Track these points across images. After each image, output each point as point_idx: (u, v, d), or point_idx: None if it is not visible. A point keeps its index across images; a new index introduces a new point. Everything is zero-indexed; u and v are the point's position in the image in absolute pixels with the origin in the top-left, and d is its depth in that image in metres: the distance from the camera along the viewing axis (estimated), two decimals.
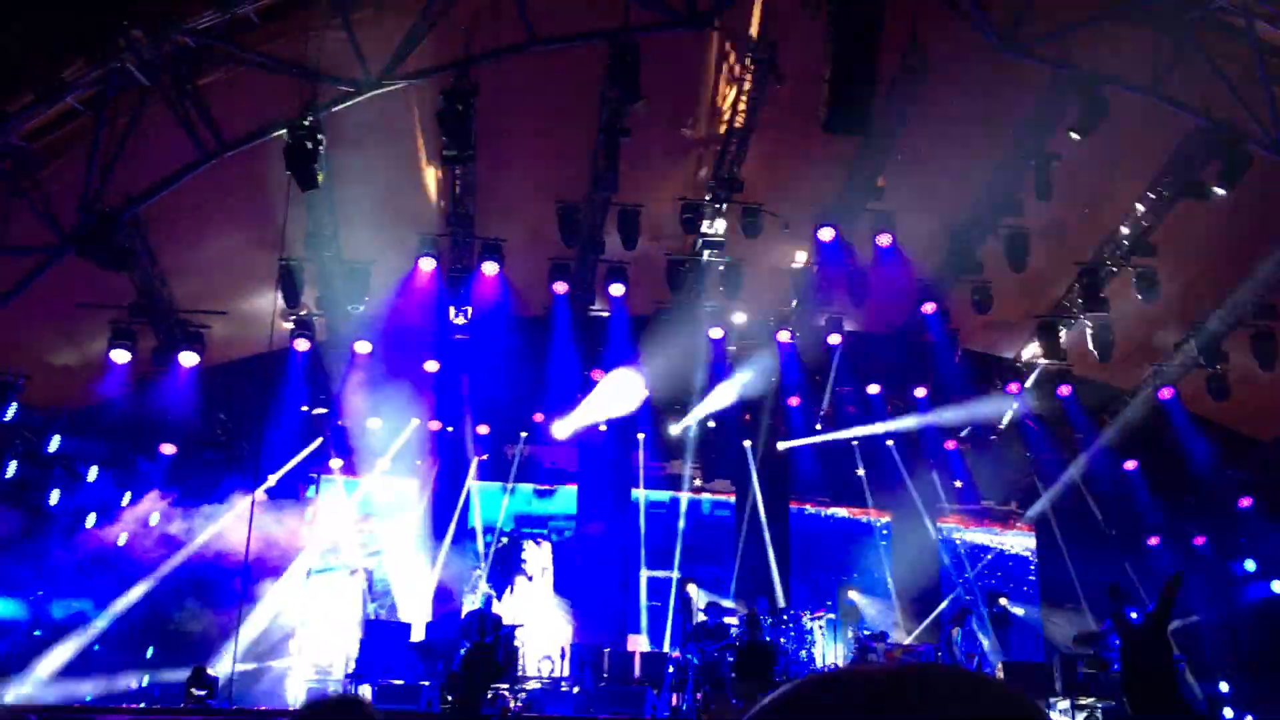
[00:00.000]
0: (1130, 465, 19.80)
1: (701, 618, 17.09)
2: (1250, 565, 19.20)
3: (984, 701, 1.02)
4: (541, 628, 18.21)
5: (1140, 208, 16.10)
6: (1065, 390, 19.10)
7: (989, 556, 20.75)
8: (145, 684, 16.62)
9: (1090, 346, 17.87)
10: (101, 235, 12.35)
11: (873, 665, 1.09)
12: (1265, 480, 19.04)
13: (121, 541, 17.11)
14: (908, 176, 15.63)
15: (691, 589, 18.72)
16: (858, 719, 0.99)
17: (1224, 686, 17.82)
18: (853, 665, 1.07)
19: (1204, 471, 19.21)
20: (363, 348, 17.59)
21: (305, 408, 18.13)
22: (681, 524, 19.79)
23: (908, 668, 1.07)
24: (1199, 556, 19.31)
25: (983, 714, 1.00)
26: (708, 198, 15.96)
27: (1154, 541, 19.63)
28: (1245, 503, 19.23)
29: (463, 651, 14.58)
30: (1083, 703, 15.58)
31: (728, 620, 17.49)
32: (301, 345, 17.09)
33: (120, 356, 15.48)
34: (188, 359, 16.07)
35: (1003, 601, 19.88)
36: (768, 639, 16.20)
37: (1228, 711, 16.51)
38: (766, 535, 19.68)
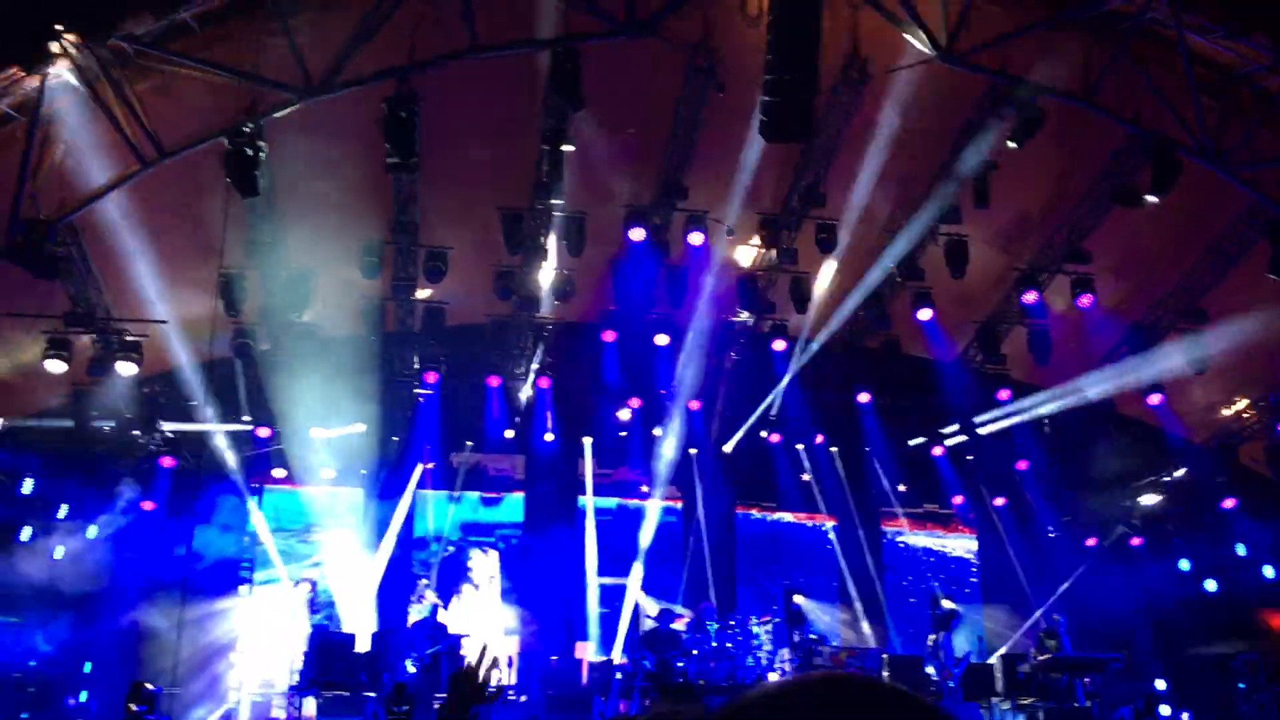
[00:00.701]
0: (1066, 468, 20.12)
1: (651, 624, 17.16)
2: (1185, 564, 19.59)
3: (905, 714, 1.06)
4: (488, 637, 18.12)
5: (1076, 213, 16.43)
6: (1005, 395, 19.36)
7: (931, 559, 20.98)
8: (83, 700, 16.32)
9: (1028, 351, 18.18)
10: (34, 243, 12.13)
11: (798, 680, 1.13)
12: (1197, 482, 19.46)
13: (59, 555, 16.80)
14: (849, 184, 15.81)
15: (640, 596, 18.80)
16: None
17: (1160, 684, 18.16)
18: (782, 681, 1.11)
19: (1138, 473, 19.61)
20: (306, 356, 17.41)
21: (247, 422, 17.88)
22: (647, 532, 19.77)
23: (830, 682, 1.11)
24: (1136, 556, 19.67)
25: None
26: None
27: (1091, 542, 19.96)
28: (1177, 504, 19.66)
29: (409, 664, 14.51)
30: (1023, 702, 15.81)
31: (676, 626, 17.57)
32: (242, 354, 16.88)
33: (55, 367, 15.18)
34: (125, 369, 15.80)
35: (945, 603, 20.10)
36: (712, 645, 16.29)
37: (1164, 709, 16.82)
38: (711, 541, 19.71)
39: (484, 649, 3.43)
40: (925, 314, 17.57)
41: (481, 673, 3.30)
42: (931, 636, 16.26)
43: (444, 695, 13.18)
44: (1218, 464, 19.16)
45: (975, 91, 14.56)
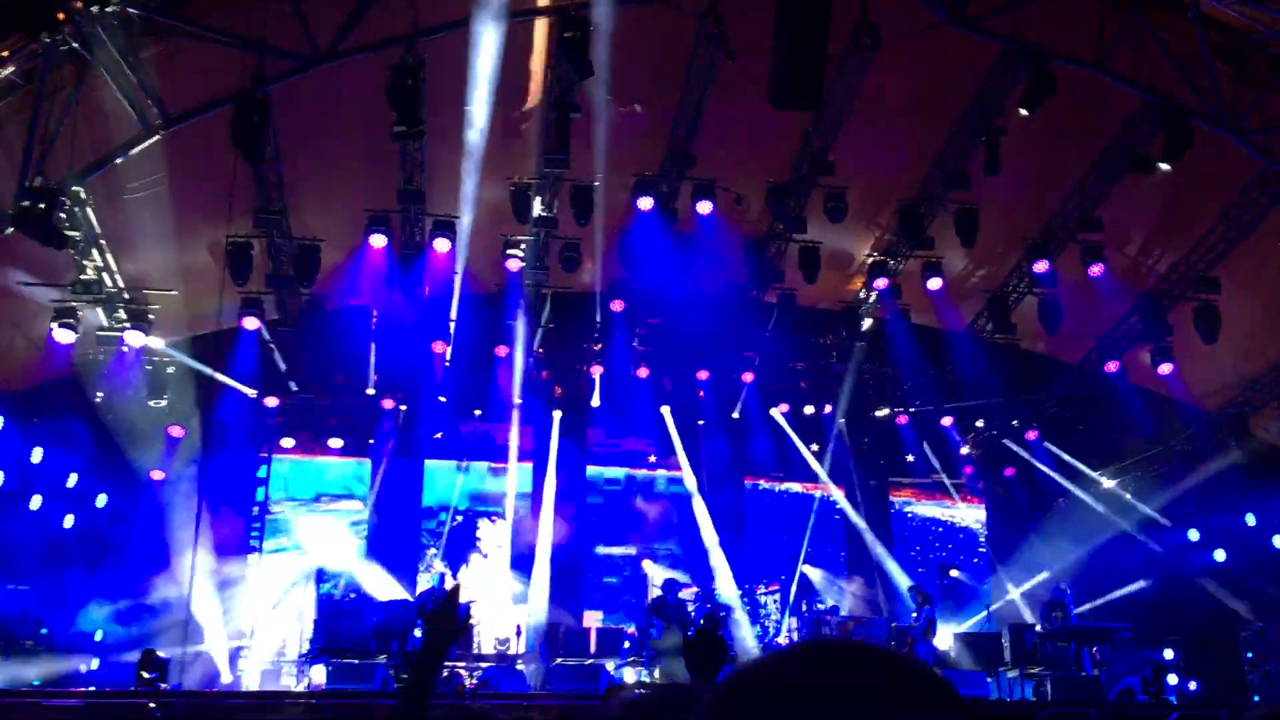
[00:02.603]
0: (1077, 438, 20.08)
1: (658, 593, 17.21)
2: (1194, 534, 19.56)
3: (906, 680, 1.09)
4: (496, 605, 18.20)
5: (1088, 182, 16.31)
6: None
7: (940, 529, 20.99)
8: (95, 667, 16.44)
9: (1038, 320, 18.08)
10: (41, 212, 12.11)
11: (794, 649, 1.17)
12: (1206, 450, 19.39)
13: (68, 523, 16.91)
14: (859, 152, 15.71)
15: (648, 565, 18.85)
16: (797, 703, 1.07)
17: (1169, 654, 18.17)
18: (781, 649, 1.16)
19: (1148, 444, 19.57)
20: (314, 325, 17.42)
21: (252, 391, 17.91)
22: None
23: (826, 648, 1.14)
24: (1144, 526, 19.64)
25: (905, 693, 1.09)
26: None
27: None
28: (1188, 474, 19.60)
29: (417, 632, 14.57)
30: (1031, 671, 15.85)
31: (684, 595, 17.63)
32: (250, 324, 16.87)
33: (64, 336, 15.20)
34: (134, 338, 15.82)
35: (954, 573, 20.17)
36: (722, 614, 16.35)
37: (1172, 678, 16.84)
38: (719, 511, 19.72)
39: (456, 586, 3.42)
40: (935, 283, 17.49)
41: (461, 611, 3.29)
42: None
43: (452, 663, 13.24)
44: (1228, 434, 19.08)
45: (986, 58, 14.41)
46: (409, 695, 3.23)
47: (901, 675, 1.10)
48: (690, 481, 19.91)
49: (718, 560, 19.05)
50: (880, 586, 19.90)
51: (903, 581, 18.57)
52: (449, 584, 16.53)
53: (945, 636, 17.57)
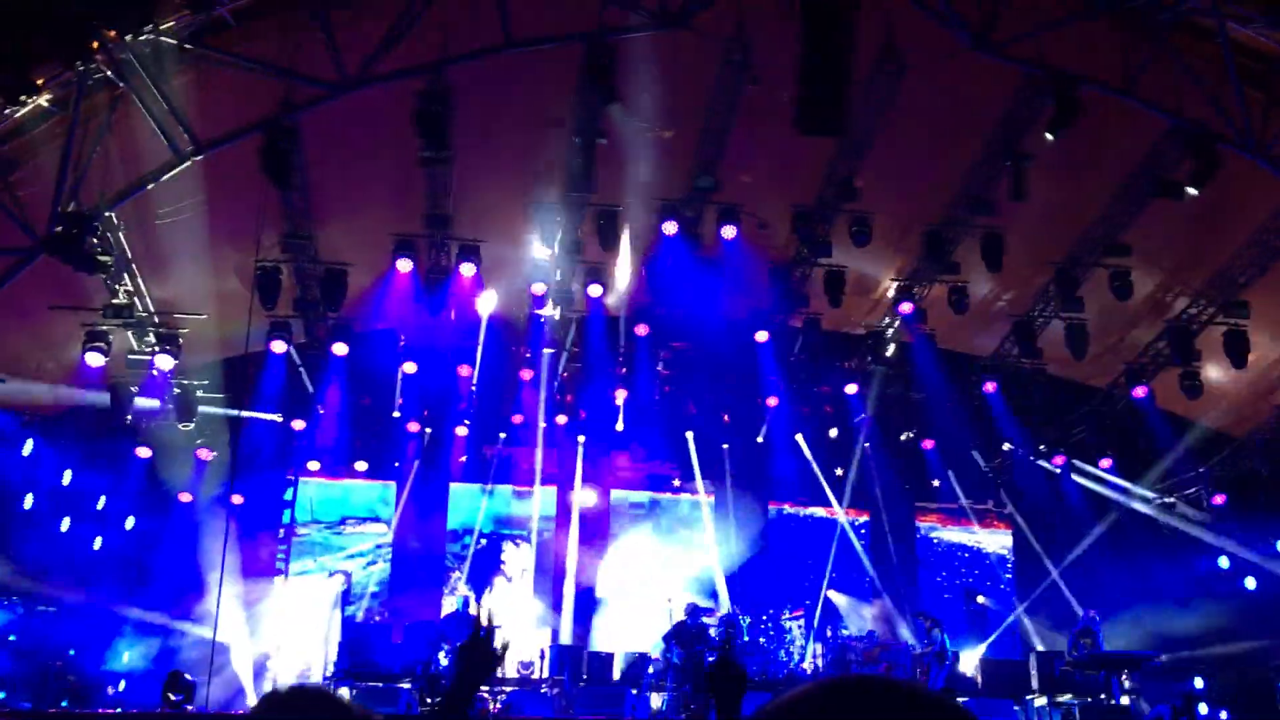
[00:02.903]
0: (1105, 464, 19.92)
1: (681, 618, 17.14)
2: (1224, 562, 19.34)
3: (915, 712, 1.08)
4: (521, 629, 18.18)
5: (1114, 207, 16.24)
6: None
7: (966, 555, 20.85)
8: (121, 689, 16.52)
9: (1065, 345, 17.98)
10: (74, 237, 12.25)
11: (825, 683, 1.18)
12: (1237, 476, 19.20)
13: (97, 545, 17.03)
14: (884, 177, 15.71)
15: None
16: None
17: (1199, 682, 17.95)
18: (798, 688, 1.16)
19: (1177, 469, 19.39)
20: (340, 349, 17.52)
21: (278, 416, 18.03)
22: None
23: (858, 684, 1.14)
24: (1176, 553, 19.44)
25: None
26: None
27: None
28: (1219, 500, 19.40)
29: (441, 656, 14.58)
30: (1060, 699, 15.70)
31: (707, 620, 17.55)
32: (278, 348, 17.00)
33: (94, 359, 15.34)
34: (164, 362, 15.96)
35: (980, 600, 20.01)
36: (744, 640, 16.27)
37: (1203, 708, 16.63)
38: (745, 535, 19.67)
39: (490, 616, 3.41)
40: (960, 308, 17.40)
41: (494, 642, 3.28)
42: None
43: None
44: (1259, 460, 18.89)
45: (1012, 83, 14.41)
46: None
47: (925, 710, 1.11)
48: (716, 506, 19.85)
49: (743, 585, 18.97)
50: (905, 612, 19.75)
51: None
52: (473, 609, 16.54)
53: (971, 662, 17.44)
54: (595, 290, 17.29)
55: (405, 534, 19.16)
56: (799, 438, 20.15)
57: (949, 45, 12.86)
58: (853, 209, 16.18)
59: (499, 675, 16.02)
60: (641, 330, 18.51)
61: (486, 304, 17.64)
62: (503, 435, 19.51)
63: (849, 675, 1.20)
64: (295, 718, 2.46)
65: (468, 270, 16.38)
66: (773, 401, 19.78)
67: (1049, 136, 13.57)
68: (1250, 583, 18.96)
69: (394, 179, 15.36)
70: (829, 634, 18.38)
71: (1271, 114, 13.62)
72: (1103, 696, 15.44)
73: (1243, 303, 16.84)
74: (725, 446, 20.09)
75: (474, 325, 17.94)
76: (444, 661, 14.51)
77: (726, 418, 19.91)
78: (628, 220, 16.05)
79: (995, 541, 20.99)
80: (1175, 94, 13.41)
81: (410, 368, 18.23)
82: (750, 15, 13.04)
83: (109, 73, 11.95)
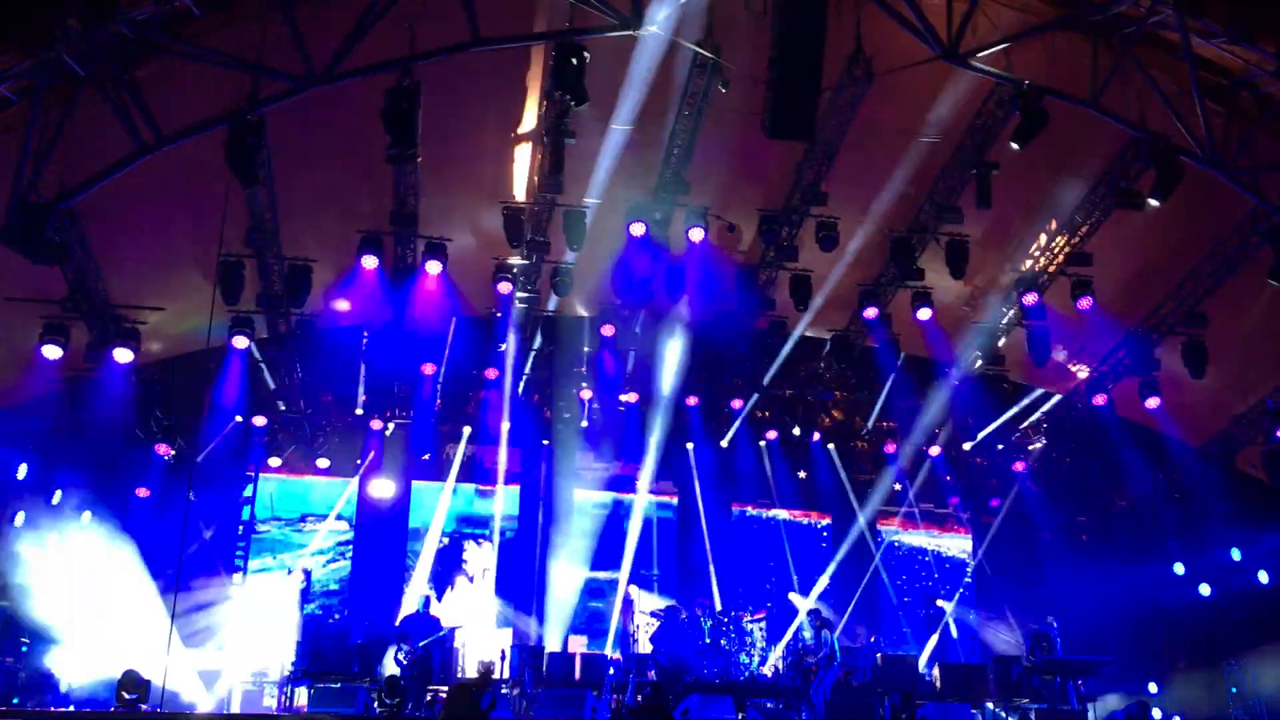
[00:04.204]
0: (1064, 471, 20.11)
1: (653, 620, 17.16)
2: (1180, 568, 19.59)
3: None
4: (481, 629, 18.11)
5: (1077, 217, 16.41)
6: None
7: (926, 559, 20.98)
8: (75, 686, 16.29)
9: (1027, 352, 18.14)
10: (33, 228, 12.07)
11: None
12: (1193, 485, 19.48)
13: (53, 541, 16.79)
14: (851, 182, 15.78)
15: (633, 590, 18.79)
16: None
17: (1153, 688, 18.17)
18: None
19: (1134, 476, 19.63)
20: (304, 345, 17.39)
21: (239, 417, 17.86)
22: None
23: None
24: (1132, 560, 19.67)
25: None
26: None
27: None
28: (1172, 508, 19.68)
29: (399, 655, 14.50)
30: (1016, 703, 15.83)
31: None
32: (240, 343, 16.83)
33: (52, 352, 15.14)
34: (122, 355, 15.75)
35: (939, 603, 20.16)
36: (706, 642, 16.30)
37: (1156, 713, 16.83)
38: (707, 537, 19.70)
39: (489, 668, 3.37)
40: (925, 314, 17.53)
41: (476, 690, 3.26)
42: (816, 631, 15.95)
43: (435, 687, 13.12)
44: (1215, 468, 19.16)
45: (979, 93, 14.52)
46: None
47: None
48: (679, 507, 19.87)
49: (704, 586, 19.00)
50: (865, 615, 19.86)
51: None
52: (434, 609, 16.48)
53: (928, 665, 17.55)
54: (561, 290, 17.25)
55: (366, 532, 19.02)
56: (762, 443, 20.23)
57: (918, 53, 12.93)
58: (820, 214, 16.24)
59: (459, 675, 15.96)
60: (608, 331, 18.51)
61: (452, 302, 17.56)
62: (466, 432, 19.43)
63: None
64: None
65: (433, 268, 16.29)
66: (737, 404, 19.86)
67: (1015, 146, 13.67)
68: (1205, 589, 19.23)
69: (360, 175, 15.24)
70: (790, 637, 18.44)
71: (1232, 127, 13.80)
72: (1060, 702, 15.57)
73: (1201, 314, 17.07)
74: (690, 446, 20.11)
75: (439, 323, 17.86)
76: (402, 660, 14.43)
77: (691, 420, 19.91)
78: (595, 221, 16.01)
79: (956, 546, 21.14)
80: (1139, 106, 13.56)
81: (373, 365, 18.10)
82: (720, 19, 13.06)
83: (71, 62, 11.77)
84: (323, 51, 12.12)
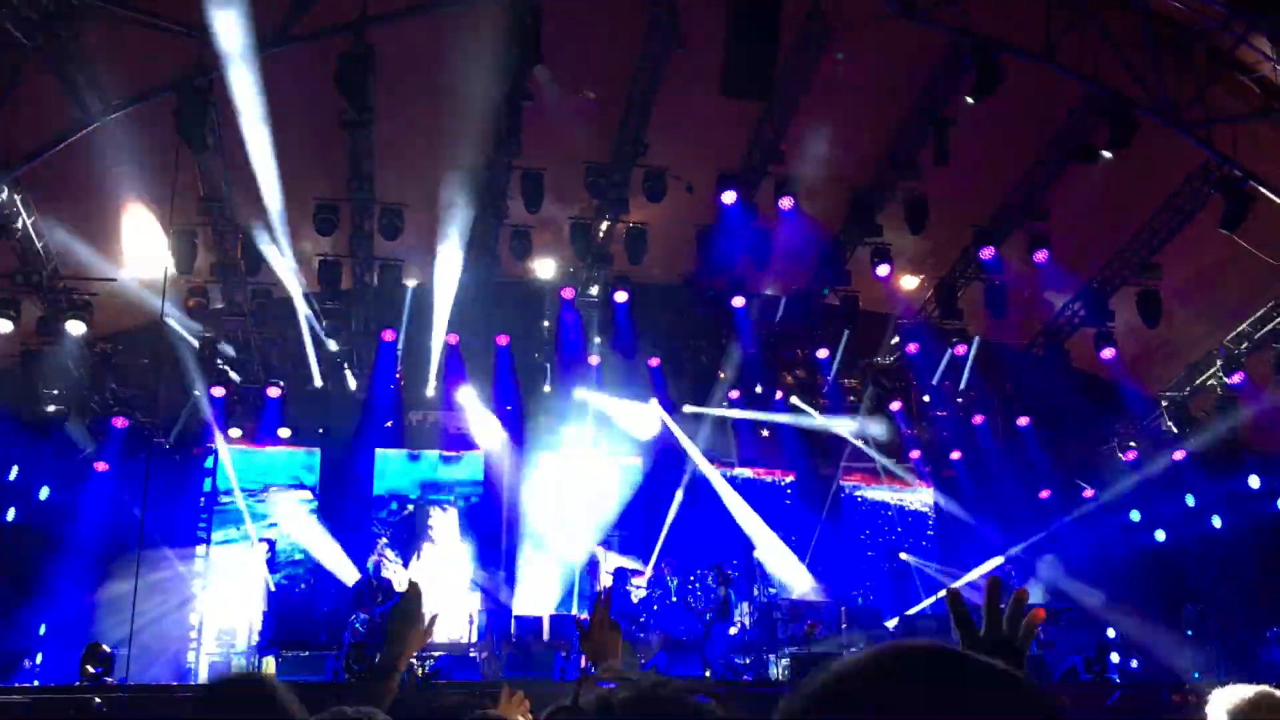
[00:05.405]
0: (1023, 422, 20.35)
1: (609, 580, 17.26)
2: (1135, 515, 19.96)
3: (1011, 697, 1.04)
4: (448, 594, 18.13)
5: (1034, 171, 16.52)
6: (961, 350, 19.50)
7: (890, 513, 21.20)
8: (39, 662, 16.20)
9: (984, 306, 18.31)
10: None
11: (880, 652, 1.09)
12: (1148, 433, 19.82)
13: (10, 516, 16.59)
14: (809, 141, 15.77)
15: (599, 551, 18.86)
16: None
17: (1110, 633, 18.54)
18: (878, 651, 1.07)
19: (1090, 426, 19.94)
20: (261, 314, 17.21)
21: (196, 391, 17.66)
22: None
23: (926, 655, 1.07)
24: (1089, 508, 19.99)
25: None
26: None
27: (1045, 495, 20.25)
28: (1129, 456, 20.00)
29: (357, 622, 14.51)
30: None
31: (636, 582, 17.70)
32: (195, 314, 16.63)
33: (3, 326, 14.90)
34: (75, 328, 15.53)
35: (903, 556, 20.41)
36: (672, 601, 16.43)
37: (1114, 657, 17.19)
38: (674, 499, 19.75)
39: (416, 586, 3.37)
40: (883, 270, 17.62)
41: (419, 608, 3.24)
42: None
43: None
44: (1170, 416, 19.48)
45: (937, 48, 14.53)
46: (370, 698, 3.15)
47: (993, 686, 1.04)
48: (648, 469, 19.92)
49: (669, 546, 19.10)
50: (828, 570, 20.04)
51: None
52: (386, 572, 16.47)
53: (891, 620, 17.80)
54: (520, 254, 17.15)
55: (330, 501, 18.93)
56: (724, 404, 20.28)
57: (875, 9, 12.91)
58: (778, 172, 16.23)
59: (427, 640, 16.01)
60: (568, 294, 18.45)
61: (411, 268, 17.45)
62: (429, 396, 19.31)
63: (905, 643, 1.09)
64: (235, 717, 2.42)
65: (391, 234, 16.14)
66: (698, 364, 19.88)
67: (970, 100, 13.72)
68: (1160, 535, 19.62)
69: (314, 142, 15.04)
70: (755, 593, 18.62)
71: (1184, 80, 13.92)
72: None
73: (1155, 265, 17.29)
74: (653, 401, 20.06)
75: (398, 289, 17.74)
76: (361, 630, 14.45)
77: (649, 380, 19.90)
78: (553, 184, 15.91)
79: (917, 499, 21.37)
80: (1093, 60, 13.63)
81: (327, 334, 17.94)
82: None
83: (13, 30, 11.48)
84: (273, 14, 11.91)
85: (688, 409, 19.88)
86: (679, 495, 19.51)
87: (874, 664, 1.05)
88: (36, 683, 15.22)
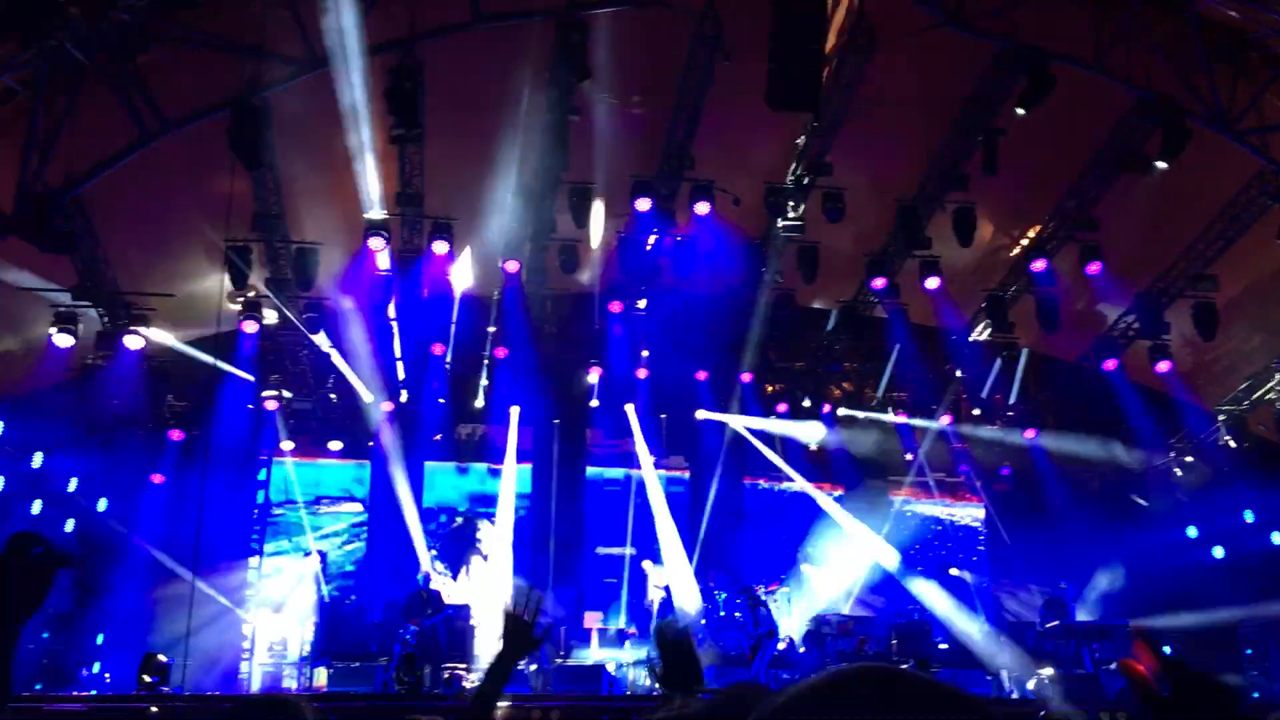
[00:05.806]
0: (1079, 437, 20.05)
1: (661, 595, 17.22)
2: (1193, 531, 19.59)
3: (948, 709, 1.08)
4: (496, 607, 18.19)
5: (1084, 181, 16.34)
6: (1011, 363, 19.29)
7: (939, 527, 20.99)
8: (96, 671, 16.46)
9: (1036, 318, 18.10)
10: (41, 217, 12.12)
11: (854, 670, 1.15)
12: (1205, 447, 19.45)
13: (69, 528, 16.91)
14: (856, 153, 15.73)
15: (647, 565, 18.85)
16: None
17: (1167, 650, 18.16)
18: (831, 675, 1.13)
19: (1146, 441, 19.60)
20: (313, 328, 17.43)
21: (250, 405, 17.91)
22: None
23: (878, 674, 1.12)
24: (1145, 523, 19.66)
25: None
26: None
27: (1097, 511, 19.92)
28: (1185, 471, 19.66)
29: (406, 634, 14.61)
30: (1031, 669, 15.87)
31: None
32: (250, 327, 16.88)
33: (63, 340, 15.23)
34: (133, 342, 15.84)
35: (953, 571, 20.17)
36: (720, 615, 16.36)
37: None
38: (719, 511, 19.68)
39: (538, 598, 3.40)
40: (933, 283, 17.49)
41: (527, 614, 3.29)
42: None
43: (452, 665, 13.19)
44: (1227, 430, 19.13)
45: (983, 58, 14.44)
46: (481, 700, 3.33)
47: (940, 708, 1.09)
48: (690, 482, 19.90)
49: (718, 560, 19.04)
50: (880, 584, 19.87)
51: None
52: (435, 584, 16.55)
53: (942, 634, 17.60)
54: (569, 268, 17.24)
55: (380, 513, 19.10)
56: (772, 416, 20.21)
57: (920, 20, 12.87)
58: (825, 184, 16.19)
59: (474, 652, 16.08)
60: (615, 307, 18.50)
61: (460, 282, 17.60)
62: (478, 408, 19.44)
63: (849, 668, 1.15)
64: None
65: (440, 248, 16.30)
66: (747, 377, 19.82)
67: (1020, 111, 13.61)
68: (1218, 552, 19.23)
69: (366, 156, 15.22)
70: (804, 608, 18.51)
71: (1240, 87, 13.73)
72: (1075, 667, 15.61)
73: (1211, 276, 16.99)
74: (700, 414, 20.03)
75: (447, 303, 17.89)
76: (411, 641, 14.54)
77: (701, 394, 19.89)
78: (600, 197, 16.00)
79: (967, 514, 21.15)
80: (1144, 68, 13.48)
81: (386, 346, 18.12)
82: None
83: (73, 50, 11.78)
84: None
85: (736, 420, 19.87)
86: (707, 509, 19.48)
87: (826, 684, 1.12)
88: (94, 691, 15.47)
